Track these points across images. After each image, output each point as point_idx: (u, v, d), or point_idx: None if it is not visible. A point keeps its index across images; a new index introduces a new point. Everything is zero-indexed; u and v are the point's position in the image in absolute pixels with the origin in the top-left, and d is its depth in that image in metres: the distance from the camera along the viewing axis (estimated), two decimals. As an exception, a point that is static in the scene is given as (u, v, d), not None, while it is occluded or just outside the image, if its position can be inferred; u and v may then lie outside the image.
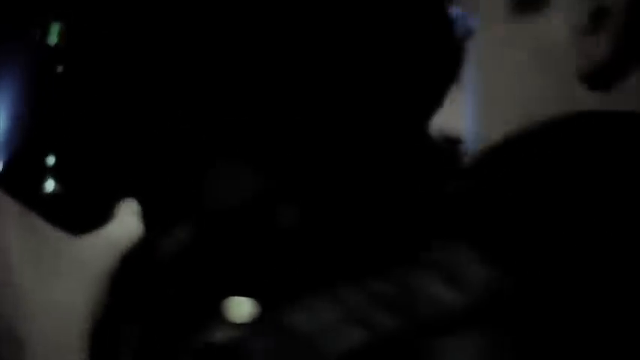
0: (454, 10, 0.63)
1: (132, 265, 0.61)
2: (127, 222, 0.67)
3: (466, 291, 0.47)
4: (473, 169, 0.58)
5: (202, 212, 1.93)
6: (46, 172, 0.63)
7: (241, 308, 2.11)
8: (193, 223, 1.95)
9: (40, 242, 0.63)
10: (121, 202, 0.68)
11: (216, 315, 2.07)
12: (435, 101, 0.62)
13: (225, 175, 1.92)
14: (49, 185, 0.63)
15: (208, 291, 2.01)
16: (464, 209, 0.54)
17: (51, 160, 0.63)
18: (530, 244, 0.50)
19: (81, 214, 0.64)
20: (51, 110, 0.63)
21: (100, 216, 0.64)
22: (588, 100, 0.56)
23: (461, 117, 0.63)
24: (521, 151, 0.56)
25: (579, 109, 0.56)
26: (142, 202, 0.62)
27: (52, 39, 0.63)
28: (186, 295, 1.79)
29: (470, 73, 0.62)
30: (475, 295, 0.47)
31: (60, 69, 0.63)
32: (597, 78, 0.56)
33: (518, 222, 0.51)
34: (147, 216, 0.62)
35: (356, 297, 0.48)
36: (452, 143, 0.65)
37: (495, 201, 0.52)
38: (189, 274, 1.91)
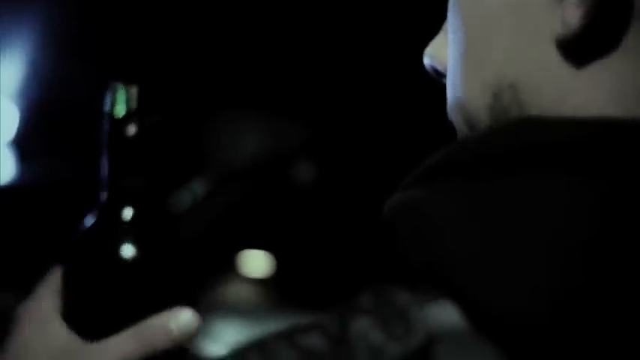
0: None
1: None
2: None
3: (405, 340, 0.46)
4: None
5: (218, 167, 1.94)
6: (124, 235, 0.60)
7: (256, 261, 2.13)
8: (209, 177, 1.97)
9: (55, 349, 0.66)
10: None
11: (231, 268, 2.09)
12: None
13: (241, 129, 1.93)
14: (127, 250, 0.60)
15: (223, 244, 2.03)
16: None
17: (128, 215, 0.62)
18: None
19: (159, 285, 0.61)
20: (127, 173, 0.63)
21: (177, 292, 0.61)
22: (562, 72, 0.53)
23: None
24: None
25: (550, 76, 0.53)
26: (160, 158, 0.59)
27: (121, 107, 0.62)
28: (200, 248, 1.81)
29: (451, 16, 0.60)
30: (413, 345, 0.46)
31: (132, 132, 0.62)
32: (572, 47, 0.53)
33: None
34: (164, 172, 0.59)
35: (286, 354, 0.48)
36: (438, 75, 0.65)
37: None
38: (204, 227, 1.93)
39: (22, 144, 1.65)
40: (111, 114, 0.60)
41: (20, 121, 1.68)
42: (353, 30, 1.76)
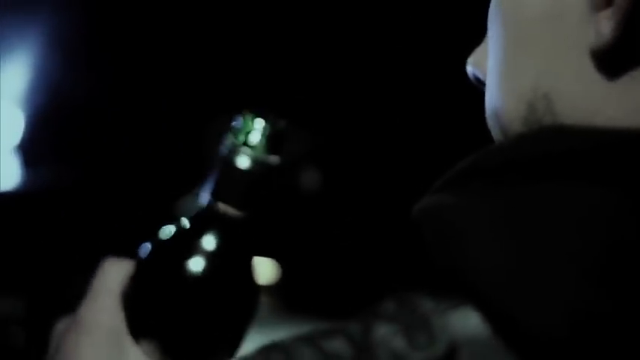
0: None
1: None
2: None
3: (427, 349, 0.46)
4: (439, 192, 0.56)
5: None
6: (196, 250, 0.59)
7: (262, 269, 2.12)
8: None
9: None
10: None
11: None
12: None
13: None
14: (197, 264, 0.59)
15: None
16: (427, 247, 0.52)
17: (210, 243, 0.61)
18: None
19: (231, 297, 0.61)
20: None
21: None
22: (596, 83, 0.53)
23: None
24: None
25: (584, 88, 0.53)
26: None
27: (253, 137, 0.59)
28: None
29: (490, 26, 0.60)
30: (437, 353, 0.46)
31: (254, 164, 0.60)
32: (605, 59, 0.52)
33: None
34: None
35: (310, 357, 0.47)
36: (480, 83, 0.64)
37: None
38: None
39: (28, 149, 1.65)
40: (238, 141, 0.59)
41: (26, 127, 1.68)
42: (358, 34, 1.76)
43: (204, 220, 0.60)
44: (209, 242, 0.59)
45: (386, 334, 0.48)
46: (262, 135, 0.59)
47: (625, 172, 0.49)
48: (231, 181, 0.60)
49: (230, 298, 0.60)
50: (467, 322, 0.47)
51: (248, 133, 0.59)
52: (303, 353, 0.48)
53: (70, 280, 1.47)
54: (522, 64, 0.57)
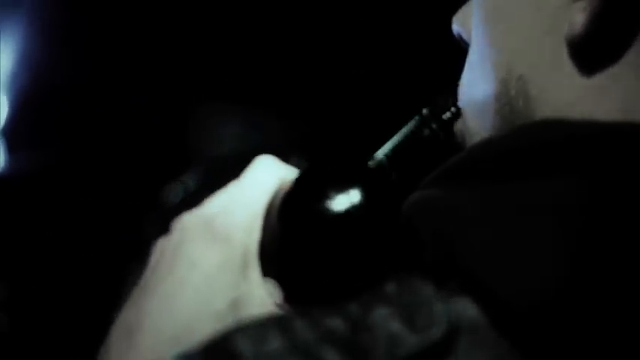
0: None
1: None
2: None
3: (426, 332, 0.46)
4: (437, 181, 0.56)
5: (209, 160, 1.94)
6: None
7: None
8: (200, 170, 1.97)
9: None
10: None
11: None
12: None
13: (229, 124, 1.93)
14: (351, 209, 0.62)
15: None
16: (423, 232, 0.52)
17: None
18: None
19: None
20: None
21: None
22: (573, 76, 0.52)
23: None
24: (485, 169, 0.53)
25: (561, 78, 0.52)
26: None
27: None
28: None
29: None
30: (434, 337, 0.46)
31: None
32: (577, 52, 0.52)
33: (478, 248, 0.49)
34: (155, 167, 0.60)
35: (305, 329, 0.47)
36: (464, 43, 0.65)
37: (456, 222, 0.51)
38: None
39: (11, 134, 1.65)
40: (434, 116, 0.64)
41: (9, 112, 1.68)
42: (343, 26, 1.76)
43: (374, 173, 0.63)
44: (370, 193, 0.62)
45: (384, 315, 0.48)
46: (450, 116, 0.64)
47: (592, 163, 0.49)
48: (412, 148, 0.64)
49: (368, 251, 0.61)
50: (467, 308, 0.48)
51: (443, 111, 0.64)
52: (299, 326, 0.48)
53: (54, 265, 1.47)
54: (498, 40, 0.56)
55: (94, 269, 1.54)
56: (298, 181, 0.65)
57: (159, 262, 0.64)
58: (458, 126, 0.64)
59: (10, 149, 1.74)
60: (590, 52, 0.51)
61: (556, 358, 0.46)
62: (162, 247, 0.65)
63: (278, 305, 0.64)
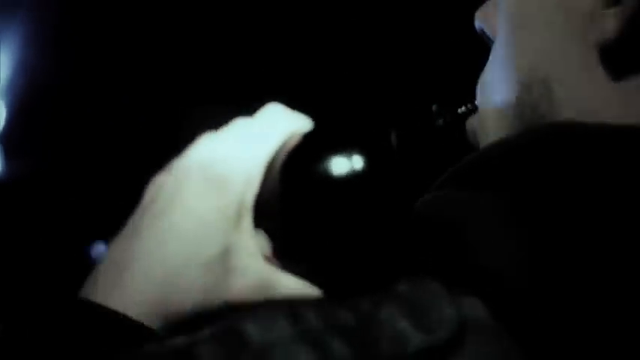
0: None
1: None
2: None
3: (433, 332, 0.46)
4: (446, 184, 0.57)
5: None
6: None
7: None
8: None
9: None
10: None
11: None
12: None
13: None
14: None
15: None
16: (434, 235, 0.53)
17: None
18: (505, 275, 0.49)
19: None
20: None
21: None
22: (601, 80, 0.52)
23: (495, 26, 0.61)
24: (488, 173, 0.53)
25: (588, 82, 0.53)
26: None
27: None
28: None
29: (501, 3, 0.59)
30: (441, 337, 0.46)
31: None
32: (608, 58, 0.52)
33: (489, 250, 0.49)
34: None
35: (315, 319, 0.47)
36: (487, 39, 0.64)
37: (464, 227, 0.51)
38: None
39: (8, 140, 1.65)
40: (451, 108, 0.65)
41: (7, 118, 1.68)
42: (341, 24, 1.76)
43: (382, 147, 0.63)
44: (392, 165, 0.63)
45: (394, 313, 0.48)
46: (465, 111, 0.65)
47: (605, 167, 0.49)
48: (421, 135, 0.65)
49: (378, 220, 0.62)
50: (476, 308, 0.49)
51: (459, 105, 0.65)
52: (308, 315, 0.48)
53: (48, 271, 1.47)
54: (523, 42, 0.56)
55: (88, 273, 1.54)
56: (306, 139, 0.65)
57: (154, 201, 0.64)
58: (471, 123, 0.64)
59: (7, 155, 1.74)
60: (620, 58, 0.52)
61: (563, 358, 0.46)
62: (159, 185, 0.65)
63: (266, 258, 0.65)
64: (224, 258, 0.62)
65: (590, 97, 0.53)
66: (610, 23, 0.52)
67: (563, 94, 0.54)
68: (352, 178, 0.61)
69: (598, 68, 0.53)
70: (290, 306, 0.49)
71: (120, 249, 0.62)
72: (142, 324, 0.58)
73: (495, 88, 0.58)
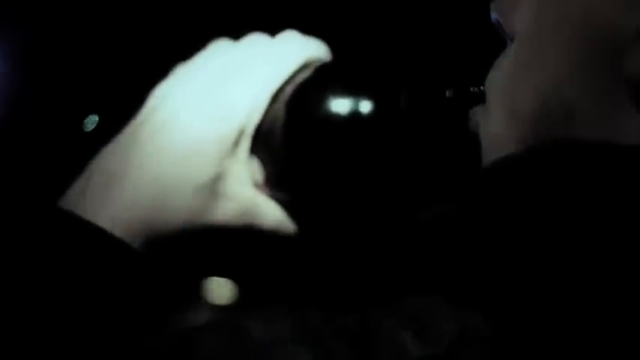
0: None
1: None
2: None
3: (432, 345, 0.46)
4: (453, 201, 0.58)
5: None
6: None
7: (221, 290, 2.11)
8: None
9: None
10: None
11: (196, 295, 2.06)
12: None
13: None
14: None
15: (189, 271, 2.01)
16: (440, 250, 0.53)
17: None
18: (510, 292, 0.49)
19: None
20: None
21: None
22: (626, 114, 0.51)
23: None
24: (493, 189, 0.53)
25: (611, 112, 0.51)
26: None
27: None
28: (166, 276, 1.78)
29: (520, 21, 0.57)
30: (439, 350, 0.46)
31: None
32: (637, 91, 0.50)
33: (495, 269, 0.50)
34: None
35: (317, 321, 0.48)
36: (502, 32, 0.62)
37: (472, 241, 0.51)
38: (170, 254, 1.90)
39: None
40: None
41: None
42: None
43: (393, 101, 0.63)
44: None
45: (395, 325, 0.51)
46: (477, 92, 0.63)
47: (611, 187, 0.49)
48: (429, 102, 0.64)
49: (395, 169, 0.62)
50: (476, 322, 0.49)
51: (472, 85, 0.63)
52: (314, 318, 0.48)
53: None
54: (548, 56, 0.54)
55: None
56: (318, 74, 0.65)
57: (154, 113, 0.64)
58: (475, 113, 0.63)
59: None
60: None
61: None
62: (162, 97, 0.65)
63: (257, 185, 0.64)
64: (214, 183, 0.63)
65: (614, 130, 0.52)
66: None
67: (585, 124, 0.52)
68: (356, 123, 0.61)
69: (626, 102, 0.51)
70: (299, 309, 0.49)
71: (113, 159, 0.62)
72: (128, 244, 0.59)
73: (506, 95, 0.57)
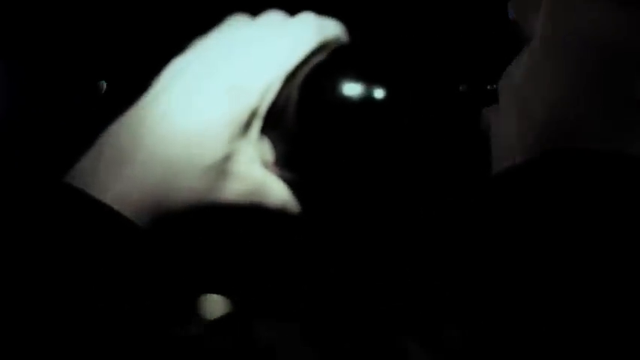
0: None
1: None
2: None
3: (437, 350, 0.46)
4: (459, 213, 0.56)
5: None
6: None
7: (215, 305, 2.09)
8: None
9: None
10: None
11: (191, 311, 2.05)
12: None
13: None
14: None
15: (183, 287, 2.00)
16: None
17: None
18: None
19: None
20: None
21: None
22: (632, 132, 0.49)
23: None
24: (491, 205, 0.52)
25: (615, 132, 0.50)
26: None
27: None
28: (161, 290, 1.77)
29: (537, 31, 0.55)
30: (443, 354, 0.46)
31: None
32: None
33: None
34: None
35: (322, 321, 0.47)
36: (520, 31, 0.61)
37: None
38: (165, 269, 1.89)
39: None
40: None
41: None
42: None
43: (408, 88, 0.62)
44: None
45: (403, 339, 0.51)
46: (490, 89, 0.63)
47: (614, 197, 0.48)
48: (441, 95, 0.64)
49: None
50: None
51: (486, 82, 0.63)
52: (319, 319, 0.47)
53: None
54: (559, 68, 0.53)
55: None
56: (334, 56, 0.64)
57: (166, 90, 0.62)
58: (487, 115, 0.61)
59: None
60: None
61: None
62: (176, 71, 0.64)
63: (266, 164, 0.65)
64: (224, 163, 0.63)
65: (620, 149, 0.51)
66: None
67: (591, 142, 0.51)
68: (369, 108, 0.60)
69: (635, 123, 0.50)
70: (300, 305, 0.49)
71: (124, 136, 0.63)
72: (135, 223, 0.59)
73: (519, 98, 0.55)
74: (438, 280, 0.53)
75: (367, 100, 0.63)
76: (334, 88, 0.62)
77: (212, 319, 1.96)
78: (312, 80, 0.64)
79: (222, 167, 0.63)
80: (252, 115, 0.64)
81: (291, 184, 0.65)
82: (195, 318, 2.00)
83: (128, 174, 0.61)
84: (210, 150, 0.63)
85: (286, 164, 0.66)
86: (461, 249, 0.51)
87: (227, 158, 0.64)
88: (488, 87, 0.63)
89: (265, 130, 0.64)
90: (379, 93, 0.63)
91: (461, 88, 0.64)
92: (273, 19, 0.68)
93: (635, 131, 0.50)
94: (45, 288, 0.55)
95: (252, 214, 0.64)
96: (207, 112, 0.63)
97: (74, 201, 0.59)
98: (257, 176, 0.65)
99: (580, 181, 0.48)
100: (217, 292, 2.00)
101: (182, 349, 0.48)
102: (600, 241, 0.46)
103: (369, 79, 0.63)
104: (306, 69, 0.64)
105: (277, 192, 0.66)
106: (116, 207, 0.59)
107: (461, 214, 0.53)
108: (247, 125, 0.64)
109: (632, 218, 0.46)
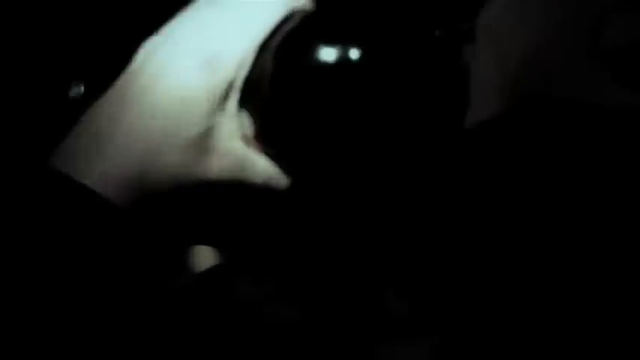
0: None
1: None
2: None
3: (413, 302, 0.46)
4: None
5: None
6: None
7: (204, 257, 2.10)
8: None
9: None
10: None
11: (181, 263, 2.05)
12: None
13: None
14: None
15: (172, 241, 2.00)
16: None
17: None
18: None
19: None
20: None
21: None
22: (603, 79, 0.51)
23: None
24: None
25: (587, 79, 0.51)
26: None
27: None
28: (153, 236, 1.77)
29: None
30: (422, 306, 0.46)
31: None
32: (619, 63, 0.50)
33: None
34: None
35: (306, 278, 0.48)
36: None
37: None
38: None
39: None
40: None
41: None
42: None
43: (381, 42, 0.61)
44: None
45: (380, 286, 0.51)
46: (467, 29, 0.61)
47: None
48: (417, 42, 0.62)
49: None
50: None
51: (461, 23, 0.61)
52: (303, 276, 0.48)
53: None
54: (531, 18, 0.54)
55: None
56: (305, 22, 0.64)
57: (142, 71, 0.63)
58: (467, 53, 0.62)
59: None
60: (632, 68, 0.51)
61: None
62: (149, 52, 0.64)
63: (246, 139, 0.64)
64: (204, 138, 0.62)
65: (589, 96, 0.52)
66: (622, 32, 0.51)
67: (561, 89, 0.53)
68: (345, 71, 0.59)
69: (602, 70, 0.52)
70: (284, 263, 0.49)
71: (103, 117, 0.61)
72: (114, 203, 0.59)
73: (495, 40, 0.56)
74: (419, 236, 0.54)
75: (343, 61, 0.62)
76: (308, 54, 0.62)
77: (201, 270, 1.97)
78: (285, 48, 0.63)
79: (203, 143, 0.62)
80: (229, 88, 0.64)
81: (273, 157, 0.65)
82: (185, 270, 2.02)
83: (109, 154, 0.61)
84: (190, 124, 0.62)
85: (266, 137, 0.64)
86: (441, 202, 0.51)
87: (207, 133, 0.63)
88: (462, 27, 0.63)
89: (242, 103, 0.64)
90: (354, 53, 0.62)
91: (437, 33, 0.64)
92: None
93: (600, 77, 0.52)
94: (22, 270, 0.55)
95: (237, 190, 0.64)
96: (183, 87, 0.62)
97: (54, 185, 0.59)
98: (239, 151, 0.65)
99: (549, 136, 0.50)
100: (206, 244, 2.01)
101: (173, 299, 0.49)
102: (574, 193, 0.48)
103: (342, 40, 0.62)
104: (278, 38, 0.64)
105: (261, 166, 0.65)
106: (98, 187, 0.59)
107: (441, 170, 0.54)
108: (225, 98, 0.63)
109: (600, 168, 0.48)
